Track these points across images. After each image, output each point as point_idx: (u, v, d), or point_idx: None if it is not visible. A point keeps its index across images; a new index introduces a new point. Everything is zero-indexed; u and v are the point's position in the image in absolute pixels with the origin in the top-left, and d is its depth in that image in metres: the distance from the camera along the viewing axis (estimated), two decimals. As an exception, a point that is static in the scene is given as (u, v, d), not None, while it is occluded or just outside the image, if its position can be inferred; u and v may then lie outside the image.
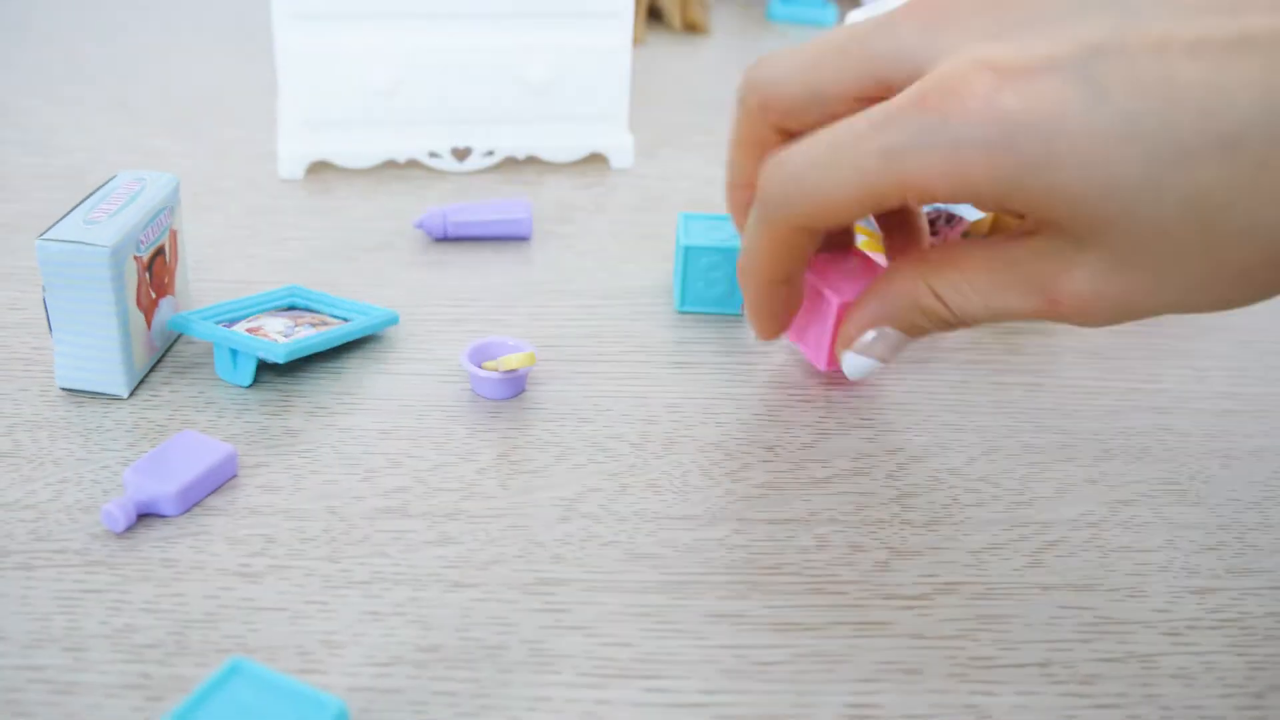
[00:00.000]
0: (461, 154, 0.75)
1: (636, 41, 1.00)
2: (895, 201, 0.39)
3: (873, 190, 0.38)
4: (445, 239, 0.65)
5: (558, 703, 0.36)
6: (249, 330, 0.51)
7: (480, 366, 0.51)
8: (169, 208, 0.51)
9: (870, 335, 0.45)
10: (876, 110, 0.38)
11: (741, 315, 0.59)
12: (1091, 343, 0.57)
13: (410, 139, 0.72)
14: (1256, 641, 0.39)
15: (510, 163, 0.76)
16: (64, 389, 0.50)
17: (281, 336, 0.51)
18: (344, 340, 0.52)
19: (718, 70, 0.96)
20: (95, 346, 0.48)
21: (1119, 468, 0.48)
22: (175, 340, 0.54)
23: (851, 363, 0.46)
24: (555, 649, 0.38)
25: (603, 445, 0.48)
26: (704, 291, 0.59)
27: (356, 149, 0.72)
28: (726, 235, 0.58)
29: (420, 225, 0.65)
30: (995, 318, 0.42)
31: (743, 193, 0.48)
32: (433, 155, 0.73)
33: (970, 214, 0.59)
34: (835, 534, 0.44)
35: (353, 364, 0.53)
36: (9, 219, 0.65)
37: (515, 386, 0.51)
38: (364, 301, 0.58)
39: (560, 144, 0.75)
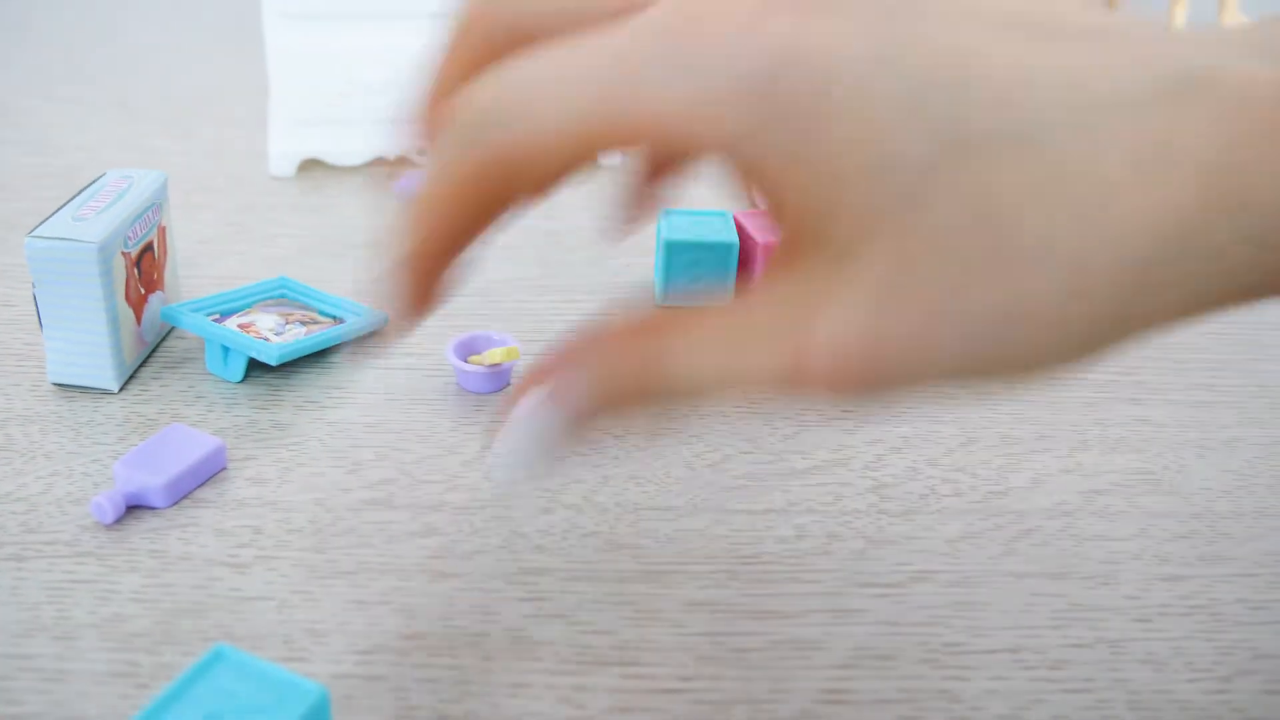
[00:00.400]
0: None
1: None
2: (619, 143, 0.28)
3: (595, 121, 0.28)
4: None
5: (537, 689, 0.37)
6: (240, 327, 0.52)
7: (466, 361, 0.51)
8: (157, 204, 0.52)
9: (527, 421, 0.32)
10: (620, 26, 0.29)
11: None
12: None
13: (398, 136, 0.73)
14: (1225, 627, 0.40)
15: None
16: (55, 384, 0.50)
17: (273, 335, 0.51)
18: (334, 343, 0.53)
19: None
20: (85, 342, 0.49)
21: (1094, 458, 0.49)
22: (166, 335, 0.54)
23: (499, 459, 0.33)
24: (536, 636, 0.39)
25: (588, 438, 0.48)
26: (686, 286, 0.59)
27: (347, 146, 0.72)
28: (708, 231, 0.59)
29: (399, 190, 0.66)
30: (726, 387, 0.30)
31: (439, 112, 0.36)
32: (423, 152, 0.74)
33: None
34: (814, 524, 0.44)
35: (341, 359, 0.53)
36: (6, 217, 0.66)
37: (500, 380, 0.51)
38: (353, 300, 0.58)
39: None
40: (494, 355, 0.49)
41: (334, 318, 0.55)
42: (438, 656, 0.38)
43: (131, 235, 0.50)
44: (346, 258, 0.62)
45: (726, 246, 0.59)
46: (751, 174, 0.28)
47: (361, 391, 0.51)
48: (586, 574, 0.42)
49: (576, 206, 0.70)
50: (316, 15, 0.69)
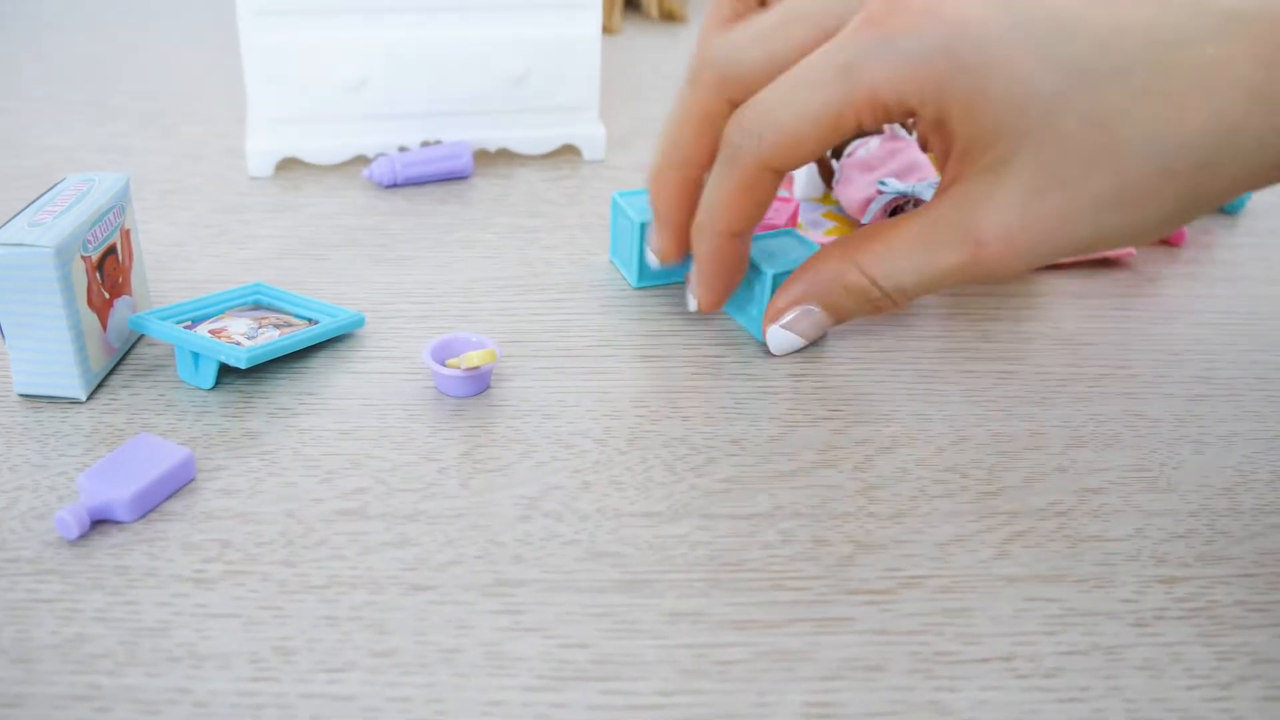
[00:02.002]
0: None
1: (612, 31, 0.99)
2: (854, 121, 0.42)
3: (834, 109, 0.42)
4: (395, 185, 0.68)
5: (513, 707, 0.36)
6: (212, 332, 0.51)
7: (443, 364, 0.50)
8: (118, 206, 0.50)
9: (795, 312, 0.50)
10: (830, 41, 0.42)
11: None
12: (1063, 329, 0.57)
13: (379, 134, 0.72)
14: (1225, 631, 0.39)
15: (481, 155, 0.75)
16: (22, 395, 0.49)
17: (245, 339, 0.50)
18: (308, 344, 0.51)
19: (683, 61, 0.95)
20: (49, 350, 0.48)
21: (1089, 455, 0.47)
22: (135, 342, 0.53)
23: (775, 337, 0.51)
24: (512, 651, 0.38)
25: (566, 442, 0.47)
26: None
27: (325, 145, 0.71)
28: None
29: (370, 175, 0.65)
30: (924, 284, 0.45)
31: (679, 174, 0.50)
32: (402, 149, 0.73)
33: (930, 197, 0.59)
34: (799, 528, 0.43)
35: (316, 363, 0.52)
36: (-28, 222, 0.65)
37: (479, 384, 0.50)
38: (329, 301, 0.57)
39: (531, 136, 0.74)
40: (471, 359, 0.48)
41: (309, 320, 0.54)
42: (410, 674, 0.37)
43: (91, 239, 0.48)
44: (326, 259, 0.61)
45: None
46: (936, 126, 0.43)
47: (335, 397, 0.50)
48: (565, 584, 0.40)
49: (556, 202, 0.69)
50: (291, 10, 0.67)
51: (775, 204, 0.61)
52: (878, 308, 0.48)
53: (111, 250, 0.50)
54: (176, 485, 0.44)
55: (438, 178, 0.70)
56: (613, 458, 0.46)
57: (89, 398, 0.49)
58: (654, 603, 0.40)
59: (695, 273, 0.51)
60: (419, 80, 0.70)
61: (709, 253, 0.50)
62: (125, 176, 0.52)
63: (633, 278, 0.59)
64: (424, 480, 0.45)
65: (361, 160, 0.74)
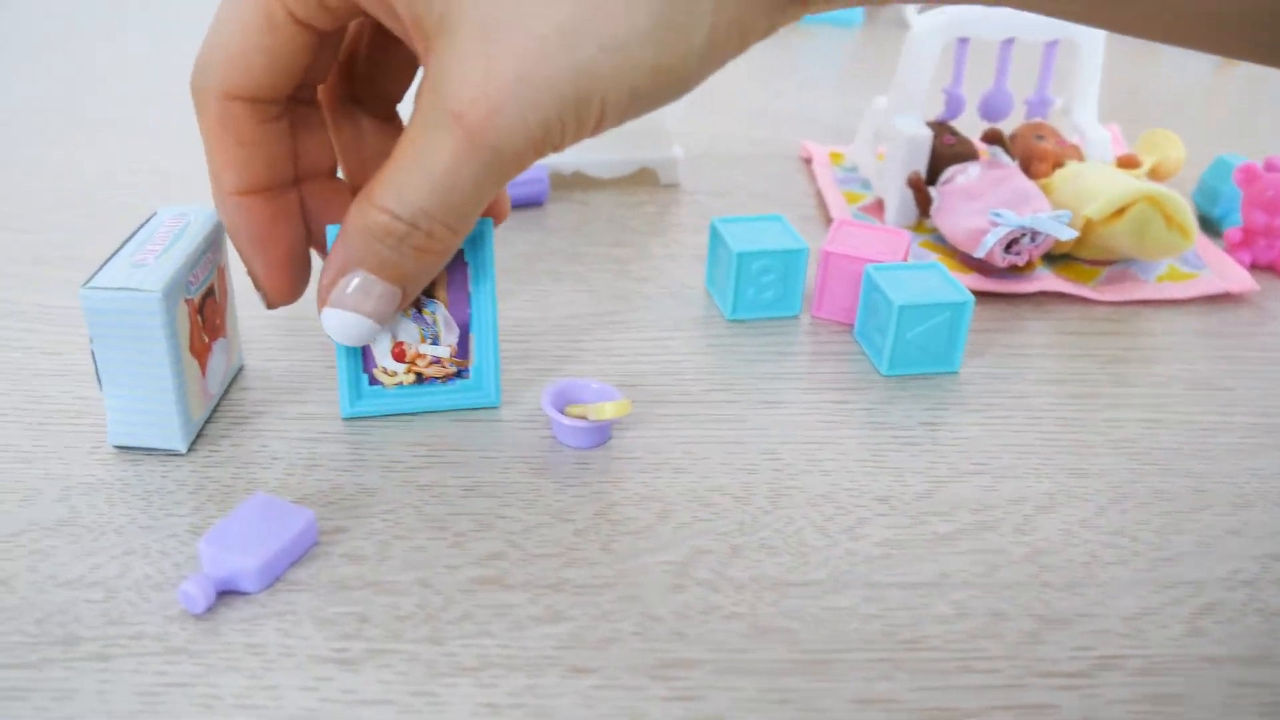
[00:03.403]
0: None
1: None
2: (285, 17, 0.40)
3: (255, 11, 0.39)
4: None
5: (709, 811, 0.33)
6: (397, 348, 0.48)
7: (562, 411, 0.47)
8: (216, 242, 0.47)
9: (350, 283, 0.42)
10: None
11: (797, 317, 0.56)
12: (1198, 372, 0.54)
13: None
14: None
15: (556, 179, 0.72)
16: (116, 446, 0.45)
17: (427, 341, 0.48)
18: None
19: (756, 78, 0.92)
20: (149, 400, 0.44)
21: (1260, 517, 0.45)
22: (229, 386, 0.50)
23: (330, 322, 0.43)
24: (695, 745, 0.35)
25: (704, 500, 0.44)
26: (755, 297, 0.56)
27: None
28: (772, 237, 0.57)
29: None
30: (440, 193, 0.39)
31: (242, 200, 0.44)
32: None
33: (1056, 231, 0.56)
34: (972, 599, 0.40)
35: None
36: (32, 252, 0.61)
37: (602, 434, 0.47)
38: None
39: (607, 159, 0.71)
40: (605, 410, 0.45)
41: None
42: (592, 774, 0.33)
43: (193, 280, 0.45)
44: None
45: (797, 253, 0.56)
46: (386, 12, 0.38)
47: (448, 448, 0.46)
48: (736, 665, 0.37)
49: (640, 230, 0.66)
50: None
51: (885, 236, 0.58)
52: (419, 247, 0.40)
53: (210, 291, 0.47)
54: (300, 551, 0.41)
55: (515, 203, 0.67)
56: (757, 518, 0.43)
57: (189, 449, 0.46)
58: (838, 687, 0.37)
59: (244, 262, 0.46)
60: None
61: (232, 225, 0.44)
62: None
63: (728, 310, 0.56)
64: (561, 544, 0.42)
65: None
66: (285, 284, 0.46)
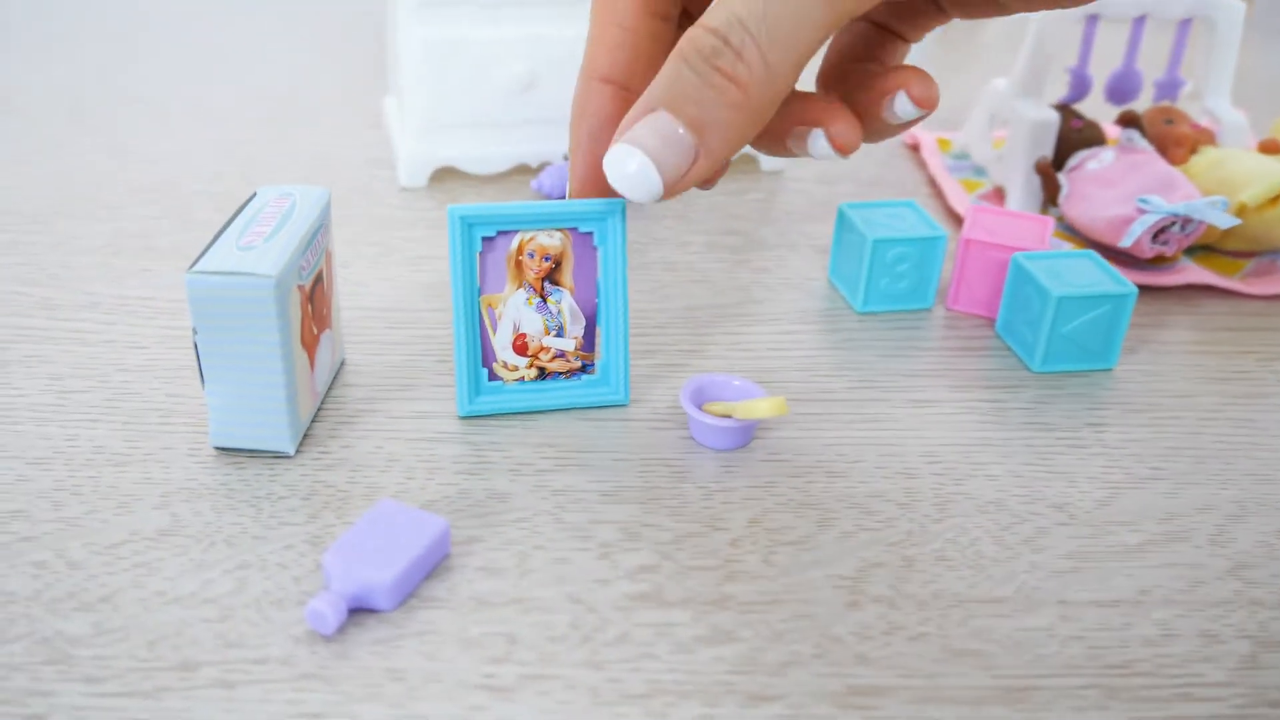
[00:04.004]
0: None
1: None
2: None
3: None
4: (565, 197, 0.59)
5: None
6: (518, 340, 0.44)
7: (700, 408, 0.43)
8: (324, 226, 0.43)
9: (648, 121, 0.36)
10: None
11: (930, 310, 0.53)
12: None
13: (544, 140, 0.64)
14: None
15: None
16: (218, 448, 0.41)
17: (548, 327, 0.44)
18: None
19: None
20: (256, 397, 0.40)
21: None
22: (333, 382, 0.46)
23: (614, 155, 0.36)
24: (904, 786, 0.30)
25: (866, 507, 0.40)
26: (888, 288, 0.53)
27: (485, 152, 0.64)
28: (905, 224, 0.53)
29: (539, 186, 0.58)
30: (762, 8, 0.34)
31: (605, 87, 0.40)
32: (567, 158, 0.65)
33: (1215, 218, 0.52)
34: (1177, 619, 0.36)
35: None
36: (106, 240, 0.57)
37: (745, 435, 0.43)
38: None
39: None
40: (758, 408, 0.41)
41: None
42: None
43: (305, 264, 0.41)
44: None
45: (934, 240, 0.52)
46: None
47: (579, 450, 0.42)
48: (933, 693, 0.33)
49: (748, 218, 0.62)
50: (454, 2, 0.60)
51: (1025, 223, 0.54)
52: (727, 74, 0.34)
53: (319, 278, 0.43)
54: (434, 563, 0.37)
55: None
56: (926, 527, 0.39)
57: (296, 451, 0.42)
58: (1045, 718, 0.32)
59: (571, 152, 0.42)
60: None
61: (580, 109, 0.40)
62: (326, 191, 0.44)
63: (858, 302, 0.52)
64: (718, 555, 0.38)
65: (521, 170, 0.66)
66: (598, 186, 0.41)
